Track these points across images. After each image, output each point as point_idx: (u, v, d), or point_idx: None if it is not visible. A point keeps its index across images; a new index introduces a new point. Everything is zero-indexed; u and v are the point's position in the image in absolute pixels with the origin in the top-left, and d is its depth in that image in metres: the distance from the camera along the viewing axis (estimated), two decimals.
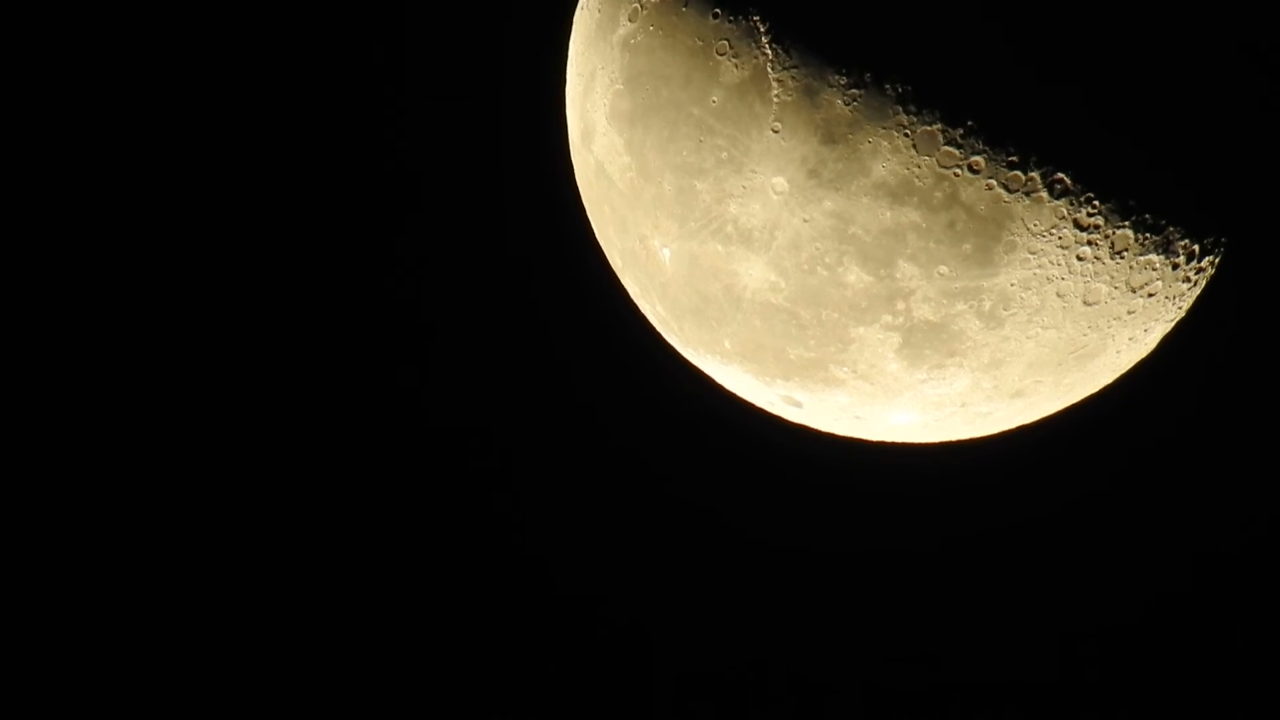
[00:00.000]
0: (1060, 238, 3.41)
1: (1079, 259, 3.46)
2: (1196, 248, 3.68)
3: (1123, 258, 3.52)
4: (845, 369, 3.76)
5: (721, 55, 3.46)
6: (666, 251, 3.82)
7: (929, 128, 3.28)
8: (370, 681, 7.16)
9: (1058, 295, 3.52)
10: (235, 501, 7.07)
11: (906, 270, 3.44)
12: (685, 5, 3.56)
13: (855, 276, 3.49)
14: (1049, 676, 6.98)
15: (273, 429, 7.04)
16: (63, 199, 6.64)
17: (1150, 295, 3.69)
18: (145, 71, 6.52)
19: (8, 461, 6.83)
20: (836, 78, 3.31)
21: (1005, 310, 3.53)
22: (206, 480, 7.03)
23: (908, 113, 3.27)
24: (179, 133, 6.61)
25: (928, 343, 3.62)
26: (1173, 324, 3.98)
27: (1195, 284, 3.82)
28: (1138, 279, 3.60)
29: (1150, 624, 6.86)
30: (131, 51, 6.49)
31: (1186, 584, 6.76)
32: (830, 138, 3.34)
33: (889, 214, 3.37)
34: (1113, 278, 3.55)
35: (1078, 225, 3.40)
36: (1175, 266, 3.67)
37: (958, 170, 3.31)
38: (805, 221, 3.44)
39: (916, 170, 3.32)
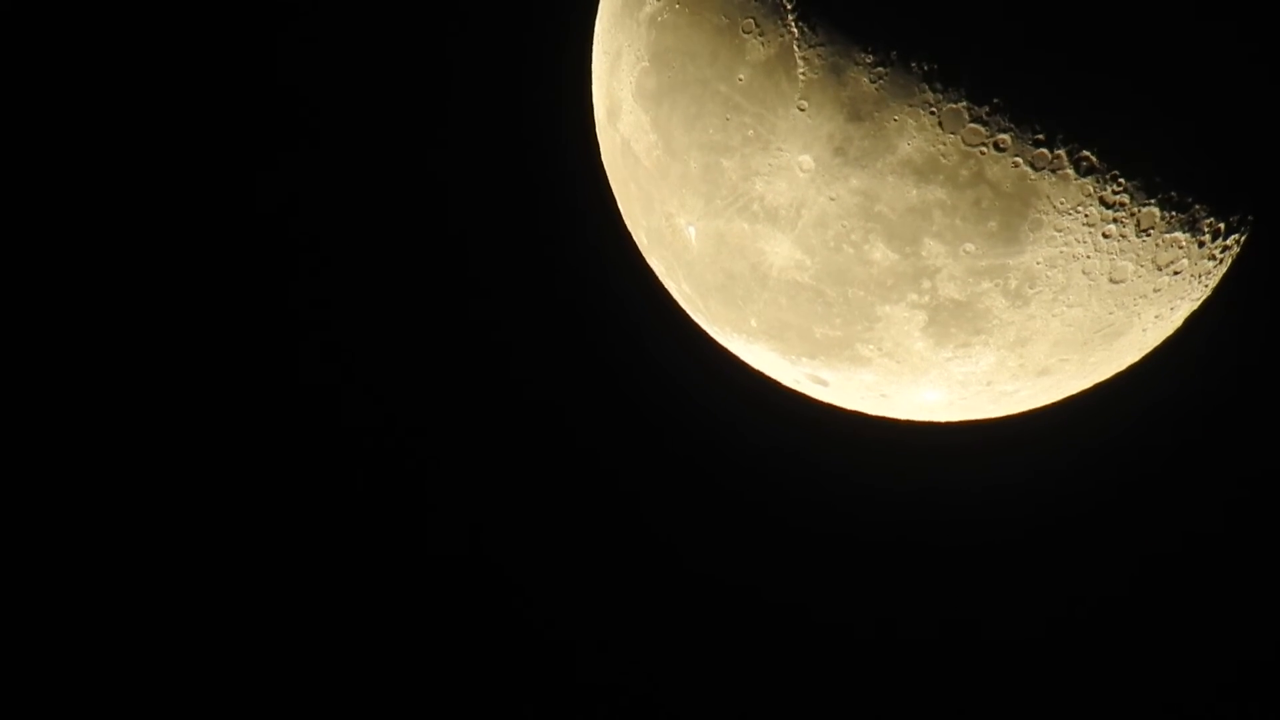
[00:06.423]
0: (1086, 215, 3.40)
1: (1105, 237, 3.46)
2: (1222, 225, 3.66)
3: (1149, 235, 3.51)
4: (871, 347, 3.77)
5: (748, 33, 3.47)
6: (692, 230, 3.83)
7: (955, 105, 3.28)
8: (376, 677, 7.22)
9: (1084, 273, 3.52)
10: (233, 501, 7.13)
11: (932, 248, 3.45)
12: None
13: (881, 254, 3.50)
14: (1064, 658, 6.99)
15: (286, 414, 7.12)
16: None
17: (1176, 273, 3.68)
18: (163, 60, 6.58)
19: None
20: (862, 55, 3.31)
21: (1031, 288, 3.53)
22: (205, 482, 7.10)
23: (934, 90, 3.27)
24: (197, 125, 6.68)
25: (953, 321, 3.63)
26: (1199, 302, 3.96)
27: (1221, 262, 3.81)
28: (1164, 257, 3.59)
29: (1165, 608, 6.85)
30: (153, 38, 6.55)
31: (1212, 562, 6.75)
32: (856, 115, 3.35)
33: (915, 192, 3.37)
34: (1139, 255, 3.54)
35: (1104, 203, 3.39)
36: (1201, 244, 3.65)
37: (984, 148, 3.30)
38: (831, 199, 3.45)
39: (942, 148, 3.32)
